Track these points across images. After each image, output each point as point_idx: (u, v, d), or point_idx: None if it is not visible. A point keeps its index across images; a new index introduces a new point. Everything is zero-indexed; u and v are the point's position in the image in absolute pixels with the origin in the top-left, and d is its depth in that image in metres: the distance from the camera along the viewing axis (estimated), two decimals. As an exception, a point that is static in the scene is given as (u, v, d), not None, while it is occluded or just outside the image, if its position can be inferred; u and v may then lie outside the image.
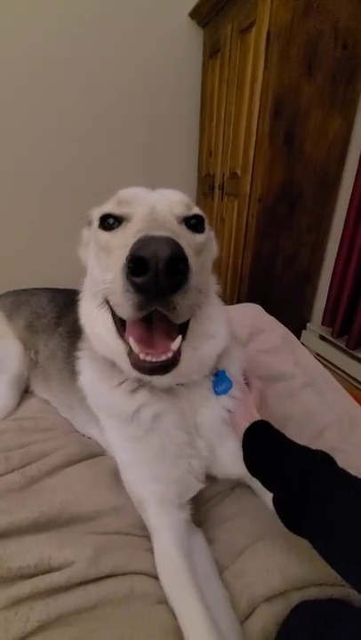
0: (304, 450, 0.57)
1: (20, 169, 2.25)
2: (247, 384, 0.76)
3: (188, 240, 0.54)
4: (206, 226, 0.63)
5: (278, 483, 0.55)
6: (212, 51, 2.17)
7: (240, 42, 1.84)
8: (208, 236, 0.64)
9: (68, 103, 2.19)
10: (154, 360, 0.47)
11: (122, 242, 0.50)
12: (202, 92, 2.39)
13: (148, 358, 0.47)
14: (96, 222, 0.60)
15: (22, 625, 0.50)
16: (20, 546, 0.60)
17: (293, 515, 0.51)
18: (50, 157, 2.28)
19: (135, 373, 0.63)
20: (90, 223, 0.69)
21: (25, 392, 1.07)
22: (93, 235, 0.62)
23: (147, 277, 0.40)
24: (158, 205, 0.56)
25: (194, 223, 0.59)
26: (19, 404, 1.02)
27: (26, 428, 0.91)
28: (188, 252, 0.44)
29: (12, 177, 2.25)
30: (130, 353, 0.50)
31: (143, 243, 0.40)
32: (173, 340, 0.50)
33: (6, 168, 2.22)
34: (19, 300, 1.14)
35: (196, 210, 0.61)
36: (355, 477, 0.50)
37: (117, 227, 0.57)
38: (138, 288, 0.42)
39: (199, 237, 0.60)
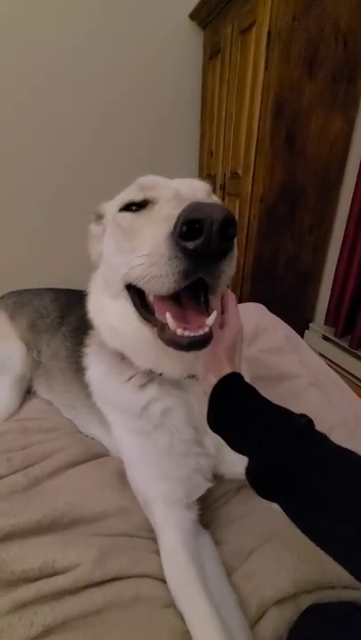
0: (284, 413, 0.52)
1: (20, 170, 2.25)
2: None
3: None
4: None
5: (254, 449, 0.50)
6: (212, 52, 2.17)
7: (240, 42, 1.84)
8: None
9: (68, 105, 2.20)
10: (192, 335, 0.47)
11: (155, 219, 0.50)
12: (202, 93, 2.40)
13: (186, 333, 0.47)
14: (115, 209, 0.60)
15: (26, 630, 0.49)
16: (23, 548, 0.59)
17: (269, 482, 0.47)
18: (51, 158, 2.28)
19: (146, 363, 0.63)
20: (100, 217, 0.70)
21: (27, 393, 1.06)
22: (112, 222, 0.61)
23: (201, 240, 0.40)
24: (182, 189, 0.57)
25: None
26: (21, 404, 1.01)
27: (28, 429, 0.90)
28: None
29: (13, 178, 2.25)
30: (161, 333, 0.49)
31: (196, 207, 0.40)
32: (206, 316, 0.50)
33: (7, 169, 2.22)
34: (21, 300, 1.13)
35: (215, 197, 0.62)
36: (337, 446, 0.46)
37: (140, 210, 0.56)
38: (188, 253, 0.41)
39: None
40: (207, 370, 0.59)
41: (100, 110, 2.27)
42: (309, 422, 0.49)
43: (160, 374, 0.64)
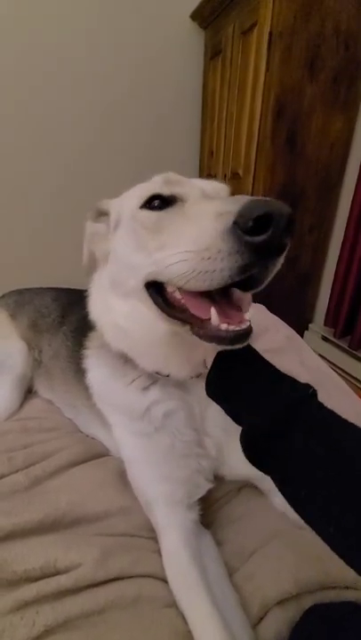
0: (288, 380, 0.50)
1: (20, 170, 2.25)
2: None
3: None
4: None
5: (255, 411, 0.47)
6: (213, 52, 2.18)
7: (242, 43, 1.84)
8: None
9: (68, 105, 2.20)
10: (237, 329, 0.46)
11: (191, 216, 0.50)
12: (203, 93, 2.40)
13: (231, 328, 0.46)
14: (136, 204, 0.58)
15: (28, 630, 0.49)
16: (25, 548, 0.59)
17: (263, 449, 0.45)
18: (51, 158, 2.28)
19: (153, 365, 0.62)
20: (101, 214, 0.68)
21: (28, 392, 1.06)
22: (130, 218, 0.59)
23: (269, 234, 0.40)
24: (206, 189, 0.57)
25: None
26: (22, 404, 1.00)
27: (29, 429, 0.90)
28: None
29: (13, 177, 2.25)
30: (197, 329, 0.49)
31: (260, 203, 0.40)
32: (240, 311, 0.50)
33: (7, 168, 2.22)
34: (22, 299, 1.13)
35: None
36: (342, 419, 0.44)
37: (167, 207, 0.55)
38: (252, 248, 0.41)
39: None
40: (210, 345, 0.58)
41: (100, 110, 2.26)
42: (313, 391, 0.48)
43: (167, 375, 0.63)
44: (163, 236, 0.52)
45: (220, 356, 0.54)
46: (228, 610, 0.52)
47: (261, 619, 0.53)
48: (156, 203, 0.56)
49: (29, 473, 0.74)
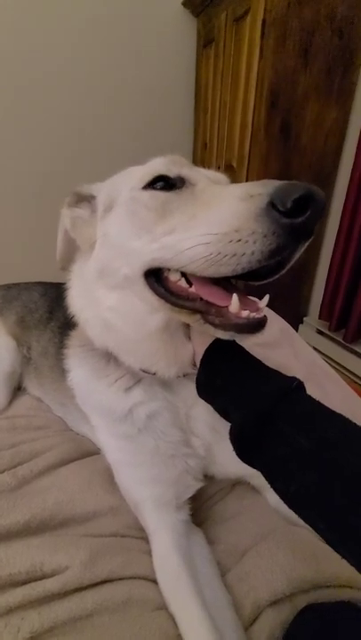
0: (275, 374, 0.50)
1: (12, 160, 2.20)
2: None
3: None
4: None
5: (241, 406, 0.47)
6: (206, 40, 2.13)
7: (235, 31, 1.80)
8: None
9: (57, 96, 2.14)
10: (257, 316, 0.46)
11: (208, 198, 0.48)
12: (196, 83, 2.35)
13: (252, 315, 0.45)
14: (137, 185, 0.54)
15: (13, 637, 0.47)
16: (9, 551, 0.57)
17: (251, 444, 0.44)
18: (40, 150, 2.23)
19: (140, 362, 0.60)
20: (81, 200, 0.64)
21: (18, 389, 1.03)
22: (131, 200, 0.55)
23: (308, 215, 0.40)
24: (210, 177, 0.56)
25: None
26: (11, 401, 0.98)
27: (18, 427, 0.88)
28: None
29: (1, 170, 2.20)
30: (210, 317, 0.47)
31: (297, 186, 0.40)
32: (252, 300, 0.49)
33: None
34: (9, 294, 1.10)
35: None
36: (327, 409, 0.44)
37: (175, 188, 0.52)
38: (288, 230, 0.41)
39: None
40: (197, 345, 0.57)
41: (89, 102, 2.21)
42: (299, 384, 0.47)
43: (153, 373, 0.60)
44: (173, 220, 0.49)
45: (207, 357, 0.53)
46: (219, 612, 0.50)
47: (254, 620, 0.52)
48: (160, 184, 0.53)
49: (16, 473, 0.71)
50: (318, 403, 0.45)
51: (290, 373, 1.07)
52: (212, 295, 0.48)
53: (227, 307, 0.46)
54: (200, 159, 2.42)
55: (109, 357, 0.63)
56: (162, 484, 0.62)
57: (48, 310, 1.00)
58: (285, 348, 1.18)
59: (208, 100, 2.20)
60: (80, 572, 0.54)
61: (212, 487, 0.72)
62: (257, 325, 0.46)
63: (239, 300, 0.46)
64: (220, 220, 0.44)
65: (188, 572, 0.54)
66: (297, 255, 0.46)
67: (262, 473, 0.44)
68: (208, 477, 0.70)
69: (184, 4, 2.15)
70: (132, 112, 2.32)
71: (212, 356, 0.53)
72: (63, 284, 0.76)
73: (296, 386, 0.46)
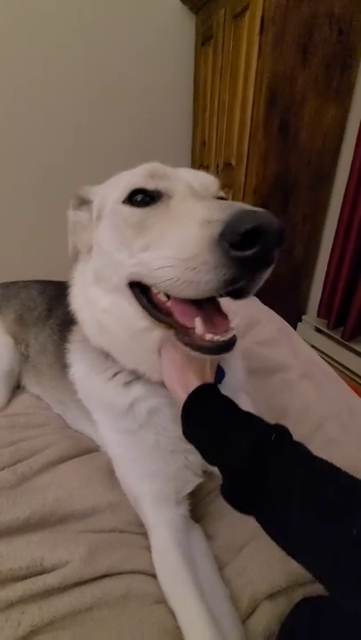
0: (258, 423, 0.49)
1: (10, 157, 2.19)
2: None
3: None
4: None
5: (226, 463, 0.47)
6: (204, 37, 2.12)
7: (233, 28, 1.80)
8: None
9: (55, 94, 2.13)
10: (221, 339, 0.45)
11: (176, 216, 0.47)
12: (195, 81, 2.35)
13: (216, 338, 0.45)
14: (118, 197, 0.54)
15: (13, 631, 0.48)
16: (10, 547, 0.57)
17: (243, 494, 0.45)
18: (38, 147, 2.22)
19: (131, 363, 0.61)
20: (82, 203, 0.65)
21: (16, 388, 1.03)
22: (112, 212, 0.56)
23: (256, 250, 0.39)
24: (194, 184, 0.54)
25: None
26: (10, 400, 0.98)
27: (17, 425, 0.88)
28: None
29: (3, 167, 2.19)
30: (181, 336, 0.48)
31: (251, 215, 0.38)
32: (227, 319, 0.49)
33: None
34: (8, 292, 1.10)
35: (222, 193, 0.60)
36: (313, 455, 0.44)
37: (152, 203, 0.52)
38: (238, 262, 0.40)
39: None
40: (172, 382, 0.56)
41: (88, 99, 2.20)
42: (283, 433, 0.47)
43: (144, 374, 0.62)
44: (148, 236, 0.49)
45: (188, 408, 0.53)
46: (217, 605, 0.51)
47: (251, 613, 0.53)
48: (139, 197, 0.53)
49: (16, 470, 0.72)
50: (300, 447, 0.45)
51: (288, 372, 1.08)
52: (183, 314, 0.49)
53: (193, 328, 0.46)
54: (199, 157, 2.42)
55: (107, 353, 0.64)
56: (161, 479, 0.63)
57: (47, 308, 1.01)
58: (284, 346, 1.19)
59: (207, 98, 2.20)
60: (80, 566, 0.55)
61: (210, 483, 0.73)
62: (224, 347, 0.46)
63: (211, 319, 0.47)
64: (181, 244, 0.43)
65: (187, 567, 0.54)
66: (262, 280, 0.45)
67: (258, 521, 0.45)
68: (207, 473, 0.71)
69: (183, 1, 2.15)
70: (131, 110, 2.32)
71: (191, 406, 0.53)
72: (62, 282, 0.77)
73: (278, 436, 0.46)
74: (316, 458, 0.43)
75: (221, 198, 0.59)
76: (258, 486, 0.43)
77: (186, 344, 0.47)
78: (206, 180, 0.58)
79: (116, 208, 0.55)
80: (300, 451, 0.45)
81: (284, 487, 0.41)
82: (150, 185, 0.52)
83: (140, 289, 0.53)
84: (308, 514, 0.38)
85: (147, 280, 0.49)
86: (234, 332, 0.47)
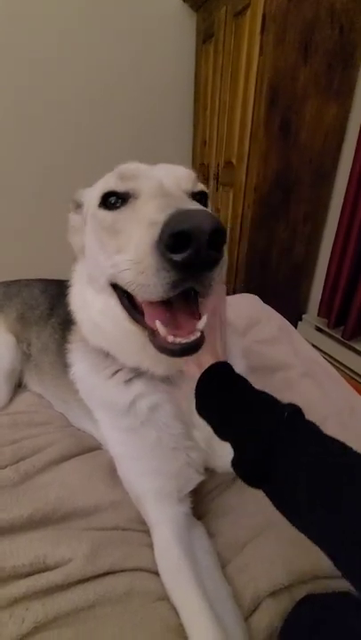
0: (270, 403, 0.50)
1: (10, 156, 2.18)
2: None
3: None
4: (209, 202, 0.61)
5: (239, 439, 0.49)
6: (205, 35, 2.11)
7: (234, 26, 1.79)
8: None
9: (55, 92, 2.12)
10: (184, 341, 0.45)
11: (138, 218, 0.47)
12: (195, 80, 2.34)
13: (178, 340, 0.45)
14: (95, 201, 0.56)
15: (17, 627, 0.48)
16: (13, 544, 0.58)
17: (254, 473, 0.46)
18: (39, 147, 2.21)
19: (131, 361, 0.62)
20: (79, 206, 0.66)
21: (18, 386, 1.04)
22: (92, 216, 0.57)
23: (189, 253, 0.38)
24: (165, 181, 0.53)
25: (198, 199, 0.56)
26: (12, 398, 0.98)
27: (19, 423, 0.88)
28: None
29: (2, 165, 2.19)
30: (152, 338, 0.48)
31: (182, 216, 0.38)
32: (197, 319, 0.48)
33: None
34: (9, 291, 1.10)
35: (201, 186, 0.59)
36: (324, 437, 0.45)
37: (122, 205, 0.52)
38: (176, 265, 0.39)
39: None
40: (187, 362, 0.58)
41: (88, 98, 2.19)
42: (296, 412, 0.48)
43: (147, 370, 0.62)
44: (120, 239, 0.50)
45: (202, 384, 0.54)
46: (220, 603, 0.51)
47: (254, 610, 0.53)
48: (113, 200, 0.53)
49: (19, 468, 0.72)
50: (313, 428, 0.46)
51: (289, 370, 1.08)
52: (150, 316, 0.49)
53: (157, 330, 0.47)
54: (200, 156, 2.41)
55: (107, 352, 0.64)
56: (163, 477, 0.63)
57: (49, 307, 1.01)
58: (284, 345, 1.19)
59: (207, 97, 2.19)
60: (82, 564, 0.55)
61: (212, 481, 0.73)
62: (187, 349, 0.45)
63: (177, 320, 0.47)
64: (135, 247, 0.44)
65: (190, 564, 0.55)
66: (212, 281, 0.43)
67: (267, 496, 0.46)
68: (209, 471, 0.71)
69: (183, -1, 2.14)
70: (131, 109, 2.31)
71: (206, 382, 0.54)
72: (64, 280, 0.77)
73: (293, 414, 0.47)
74: (327, 437, 0.44)
75: (201, 192, 0.58)
76: (272, 461, 0.44)
77: (154, 345, 0.47)
78: (180, 174, 0.57)
79: (95, 212, 0.56)
80: (313, 429, 0.46)
81: (296, 465, 0.42)
82: (120, 187, 0.53)
83: (122, 290, 0.54)
84: (319, 492, 0.39)
85: (119, 282, 0.50)
86: (199, 334, 0.46)
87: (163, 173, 0.56)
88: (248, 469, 0.46)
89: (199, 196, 0.57)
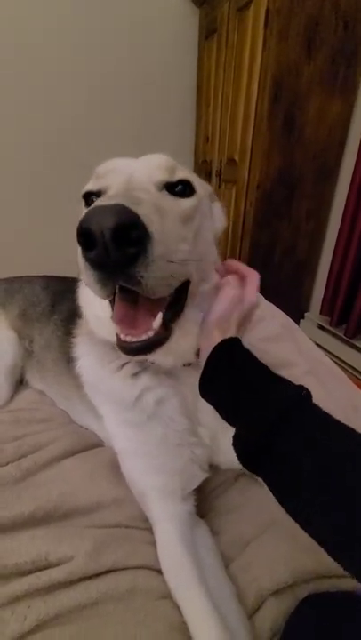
0: (284, 380, 0.49)
1: (10, 153, 2.18)
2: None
3: (170, 207, 0.49)
4: (198, 189, 0.57)
5: (243, 419, 0.47)
6: (208, 31, 2.10)
7: (238, 21, 1.78)
8: (198, 201, 0.57)
9: (58, 87, 2.12)
10: (134, 340, 0.45)
11: None
12: (198, 75, 2.33)
13: (129, 339, 0.45)
14: (83, 202, 0.57)
15: (19, 625, 0.48)
16: (15, 541, 0.57)
17: (257, 454, 0.44)
18: (40, 143, 2.21)
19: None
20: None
21: (20, 383, 1.03)
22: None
23: (96, 252, 0.37)
24: (136, 174, 0.51)
25: (180, 189, 0.54)
26: (13, 395, 0.98)
27: (21, 420, 0.88)
28: (152, 218, 0.40)
29: (2, 162, 2.18)
30: (117, 336, 0.47)
31: (88, 214, 0.37)
32: (155, 317, 0.47)
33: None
34: (11, 288, 1.10)
35: (181, 174, 0.55)
36: (334, 420, 0.44)
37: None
38: (94, 264, 0.39)
39: (186, 202, 0.54)
40: (201, 344, 0.57)
41: (90, 94, 2.19)
42: (305, 395, 0.46)
43: (153, 362, 0.62)
44: None
45: (212, 359, 0.52)
46: (223, 601, 0.51)
47: (257, 609, 0.52)
48: (93, 198, 0.53)
49: (20, 465, 0.72)
50: (322, 414, 0.44)
51: (293, 368, 1.08)
52: (115, 313, 0.48)
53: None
54: (202, 153, 2.40)
55: (114, 345, 0.63)
56: (167, 474, 0.62)
57: (50, 303, 1.01)
58: (288, 342, 1.18)
59: (210, 93, 2.18)
60: (85, 561, 0.55)
61: (215, 479, 0.73)
62: (141, 349, 0.45)
63: (135, 319, 0.46)
64: None
65: (193, 562, 0.54)
66: (142, 279, 0.40)
67: (266, 484, 0.44)
68: (213, 468, 0.70)
69: (186, -6, 2.12)
70: (134, 105, 2.30)
71: (216, 359, 0.52)
72: (66, 277, 0.77)
73: (299, 399, 0.45)
74: (335, 421, 0.43)
75: (181, 181, 0.55)
76: (277, 440, 0.42)
77: (116, 343, 0.47)
78: (153, 164, 0.54)
79: (81, 211, 0.56)
80: (320, 413, 0.45)
81: (301, 450, 0.40)
82: (95, 185, 0.53)
83: None
84: (322, 476, 0.38)
85: None
86: (152, 334, 0.45)
87: (137, 166, 0.54)
88: (250, 450, 0.44)
89: (180, 186, 0.54)
